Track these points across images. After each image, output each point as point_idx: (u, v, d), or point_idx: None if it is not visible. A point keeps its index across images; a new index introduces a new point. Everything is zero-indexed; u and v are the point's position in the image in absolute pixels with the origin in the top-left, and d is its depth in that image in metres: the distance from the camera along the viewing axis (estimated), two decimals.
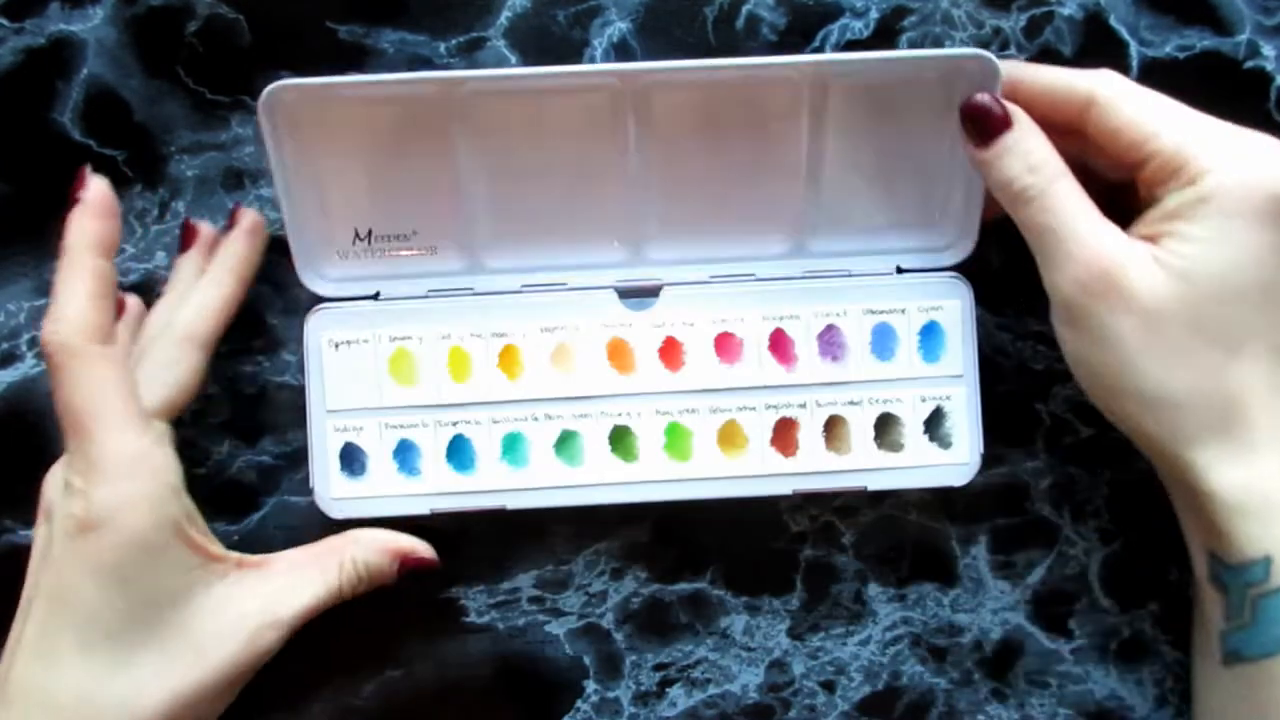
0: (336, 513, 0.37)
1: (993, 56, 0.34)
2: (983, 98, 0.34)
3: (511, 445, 0.38)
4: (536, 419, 0.37)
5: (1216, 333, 0.31)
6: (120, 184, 0.39)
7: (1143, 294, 0.31)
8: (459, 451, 0.37)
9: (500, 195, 0.38)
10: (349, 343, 0.37)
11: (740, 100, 0.37)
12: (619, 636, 0.40)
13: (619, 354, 0.38)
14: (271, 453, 0.39)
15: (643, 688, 0.40)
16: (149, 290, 0.39)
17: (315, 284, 0.38)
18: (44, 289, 0.39)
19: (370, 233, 0.38)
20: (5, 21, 0.39)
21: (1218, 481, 0.32)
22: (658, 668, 0.40)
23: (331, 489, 0.37)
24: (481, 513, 0.38)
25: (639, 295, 0.38)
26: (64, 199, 0.39)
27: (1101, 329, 0.32)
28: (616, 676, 0.40)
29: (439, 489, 0.37)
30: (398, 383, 0.37)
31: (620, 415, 0.38)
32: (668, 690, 0.40)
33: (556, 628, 0.40)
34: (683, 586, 0.40)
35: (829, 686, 0.40)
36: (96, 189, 0.32)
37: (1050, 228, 0.32)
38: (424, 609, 0.40)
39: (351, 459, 0.37)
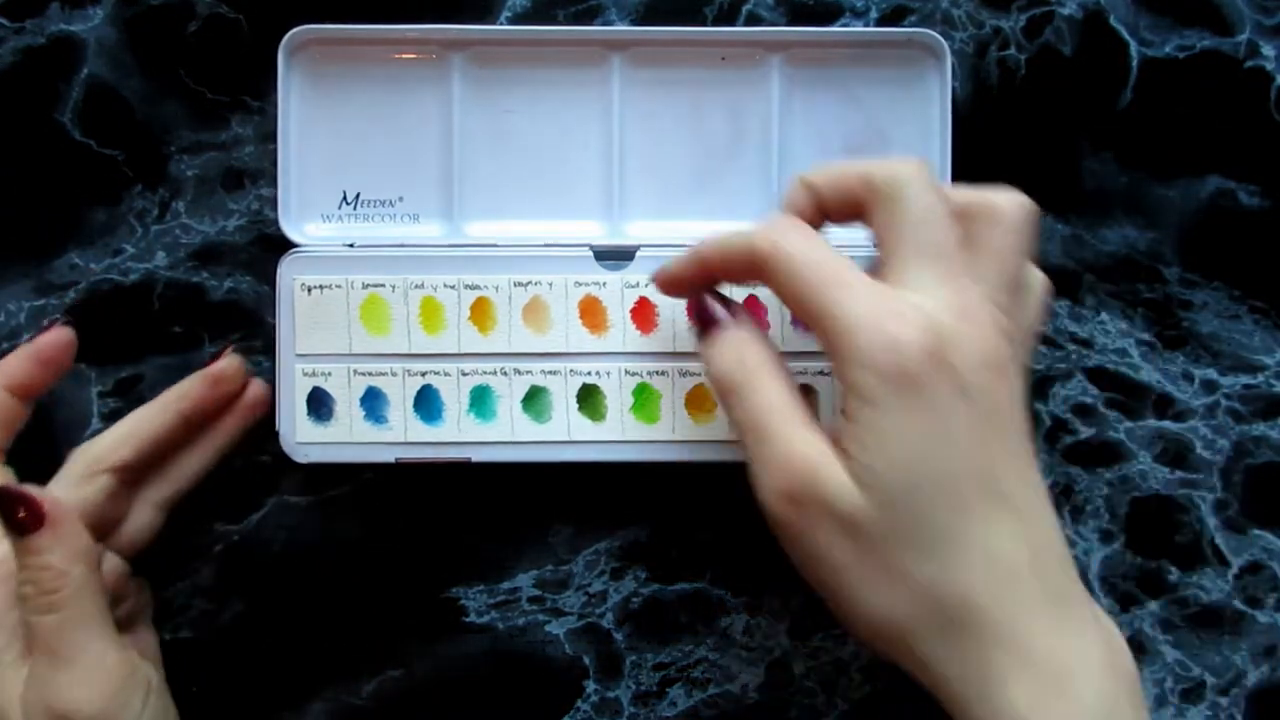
0: (301, 457, 0.37)
1: (939, 37, 0.37)
2: (704, 297, 0.32)
3: (479, 398, 0.38)
4: (505, 373, 0.38)
5: (918, 537, 0.27)
6: (120, 184, 0.39)
7: (842, 505, 0.27)
8: (426, 402, 0.38)
9: (487, 165, 0.39)
10: (321, 287, 0.37)
11: (716, 80, 0.39)
12: (619, 636, 0.40)
13: (591, 312, 0.38)
14: (271, 453, 0.39)
15: (643, 688, 0.40)
16: (149, 290, 0.39)
17: (295, 237, 0.38)
18: (44, 289, 0.39)
19: (358, 196, 0.39)
20: (5, 21, 0.39)
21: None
22: (658, 668, 0.40)
23: (297, 433, 0.37)
24: (447, 463, 0.38)
25: (614, 257, 0.38)
26: (65, 198, 0.40)
27: (812, 549, 0.28)
28: (616, 676, 0.40)
29: (405, 438, 0.38)
30: (368, 330, 0.37)
31: (590, 374, 0.38)
32: (668, 690, 0.40)
33: (556, 628, 0.40)
34: (683, 586, 0.40)
35: (829, 686, 0.40)
36: (52, 335, 0.34)
37: (749, 427, 0.29)
38: (424, 609, 0.40)
39: (319, 404, 0.37)
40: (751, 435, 0.29)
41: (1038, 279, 0.31)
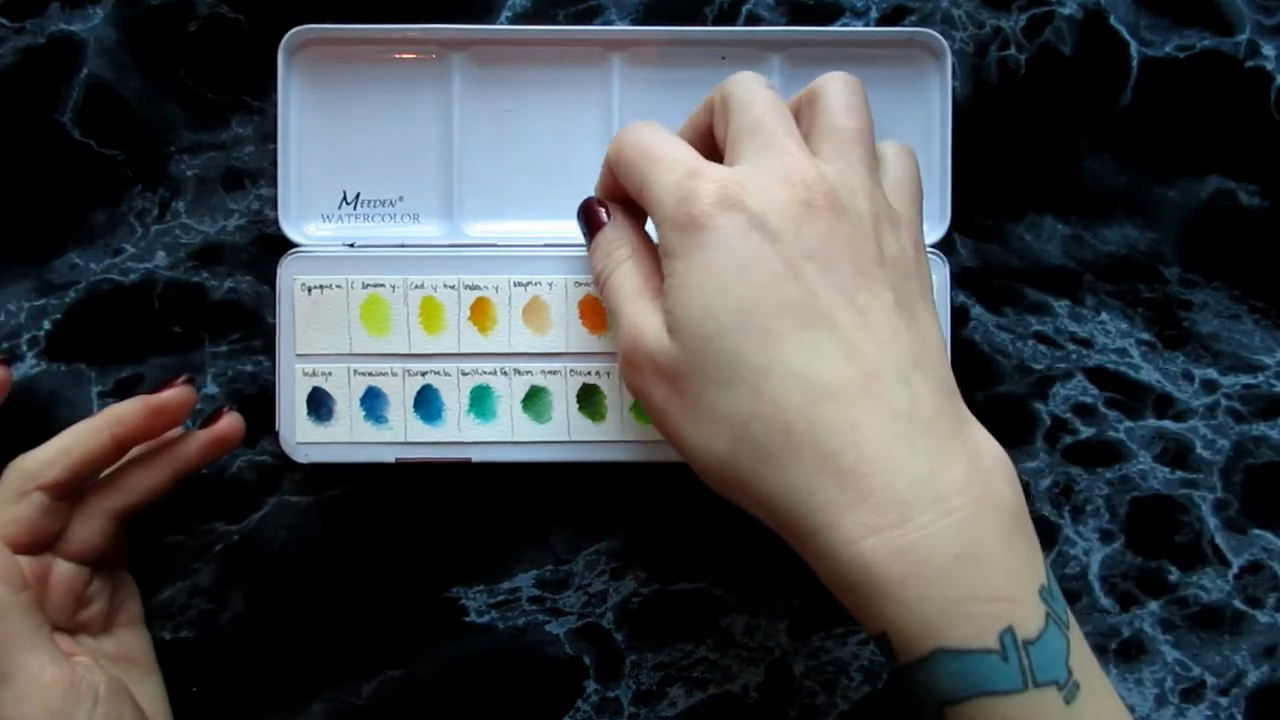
0: (301, 457, 0.37)
1: (939, 36, 0.37)
2: (586, 202, 0.33)
3: (479, 398, 0.38)
4: (505, 373, 0.38)
5: (725, 371, 0.27)
6: (120, 184, 0.39)
7: (658, 356, 0.29)
8: (426, 402, 0.38)
9: (487, 165, 0.39)
10: (321, 287, 0.37)
11: (716, 80, 0.38)
12: (619, 636, 0.40)
13: (591, 312, 0.38)
14: (271, 452, 0.39)
15: (643, 688, 0.40)
16: (149, 290, 0.39)
17: (295, 237, 0.38)
18: (44, 289, 0.39)
19: (358, 197, 0.39)
20: (5, 21, 0.39)
21: (819, 554, 0.27)
22: (657, 668, 0.40)
23: (297, 433, 0.37)
24: (447, 463, 0.38)
25: None
26: (65, 198, 0.40)
27: (649, 404, 0.29)
28: (616, 676, 0.40)
29: (405, 438, 0.38)
30: (368, 330, 0.37)
31: (590, 374, 0.38)
32: (668, 690, 0.40)
33: (556, 628, 0.40)
34: (683, 586, 0.40)
35: (829, 686, 0.40)
36: (173, 392, 0.34)
37: (610, 310, 0.32)
38: (424, 609, 0.40)
39: (319, 404, 0.37)
40: (611, 318, 0.31)
41: (893, 147, 0.31)
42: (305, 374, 0.37)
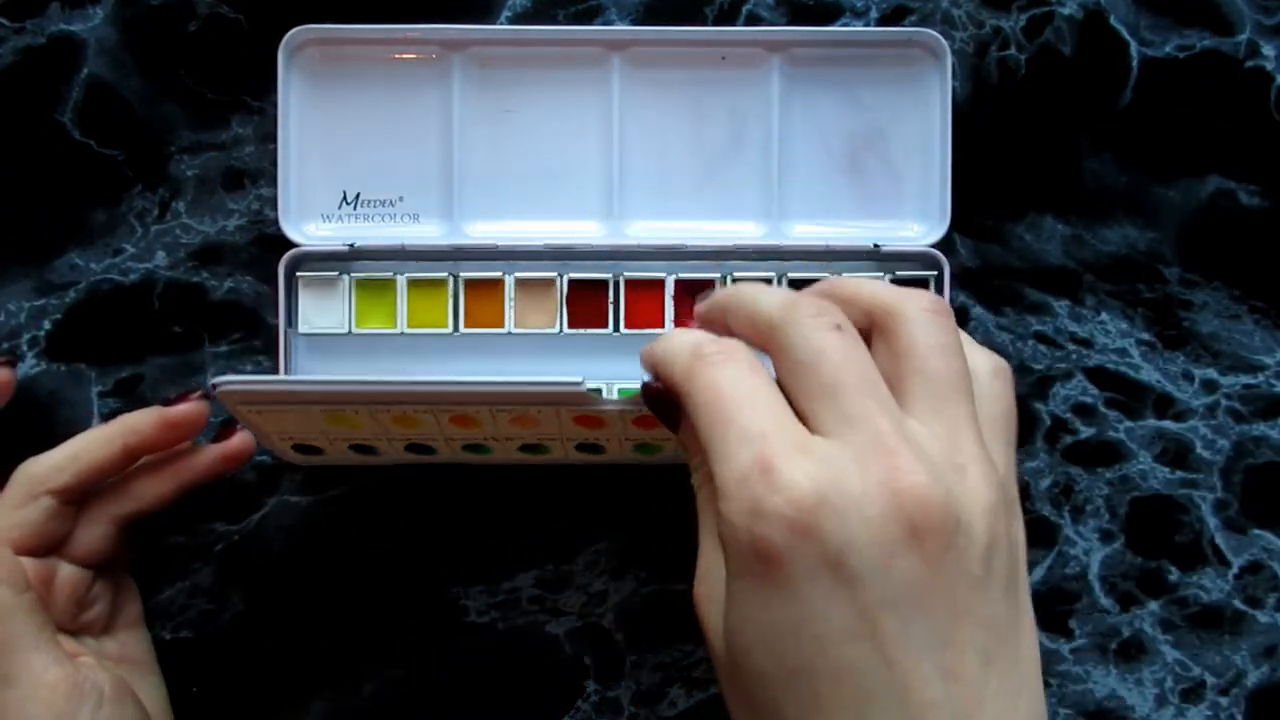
0: (303, 464, 0.37)
1: (939, 36, 0.37)
2: (652, 389, 0.27)
3: (473, 449, 0.36)
4: (498, 440, 0.35)
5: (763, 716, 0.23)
6: (120, 184, 0.39)
7: (711, 638, 0.25)
8: (418, 448, 0.36)
9: (487, 166, 0.39)
10: (269, 408, 0.32)
11: (716, 80, 0.39)
12: (619, 636, 0.40)
13: (588, 422, 0.33)
14: (271, 453, 0.39)
15: (643, 688, 0.40)
16: (149, 290, 0.39)
17: (295, 237, 0.38)
18: (44, 289, 0.39)
19: (358, 197, 0.39)
20: (5, 21, 0.39)
21: None
22: (658, 668, 0.40)
23: (289, 460, 0.37)
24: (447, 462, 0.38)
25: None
26: (65, 198, 0.40)
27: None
28: (616, 676, 0.40)
29: (401, 461, 0.37)
30: (337, 427, 0.34)
31: (588, 437, 0.35)
32: (668, 690, 0.40)
33: (556, 628, 0.40)
34: (683, 586, 0.40)
35: None
36: (187, 407, 0.35)
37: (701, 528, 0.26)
38: (424, 609, 0.40)
39: (305, 449, 0.36)
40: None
41: (985, 365, 0.26)
42: (281, 439, 0.35)
